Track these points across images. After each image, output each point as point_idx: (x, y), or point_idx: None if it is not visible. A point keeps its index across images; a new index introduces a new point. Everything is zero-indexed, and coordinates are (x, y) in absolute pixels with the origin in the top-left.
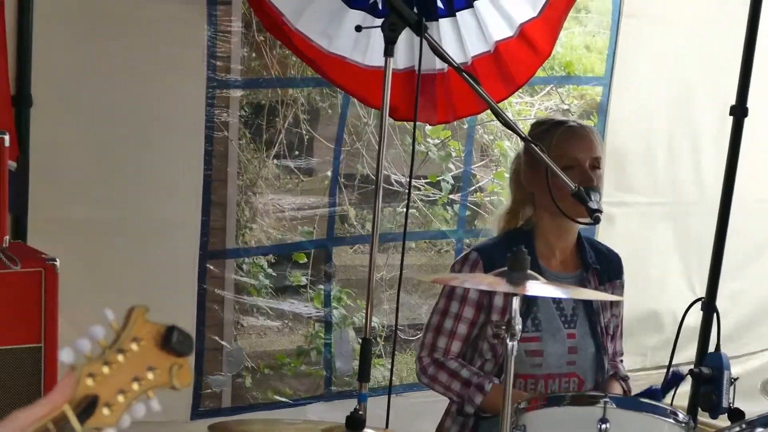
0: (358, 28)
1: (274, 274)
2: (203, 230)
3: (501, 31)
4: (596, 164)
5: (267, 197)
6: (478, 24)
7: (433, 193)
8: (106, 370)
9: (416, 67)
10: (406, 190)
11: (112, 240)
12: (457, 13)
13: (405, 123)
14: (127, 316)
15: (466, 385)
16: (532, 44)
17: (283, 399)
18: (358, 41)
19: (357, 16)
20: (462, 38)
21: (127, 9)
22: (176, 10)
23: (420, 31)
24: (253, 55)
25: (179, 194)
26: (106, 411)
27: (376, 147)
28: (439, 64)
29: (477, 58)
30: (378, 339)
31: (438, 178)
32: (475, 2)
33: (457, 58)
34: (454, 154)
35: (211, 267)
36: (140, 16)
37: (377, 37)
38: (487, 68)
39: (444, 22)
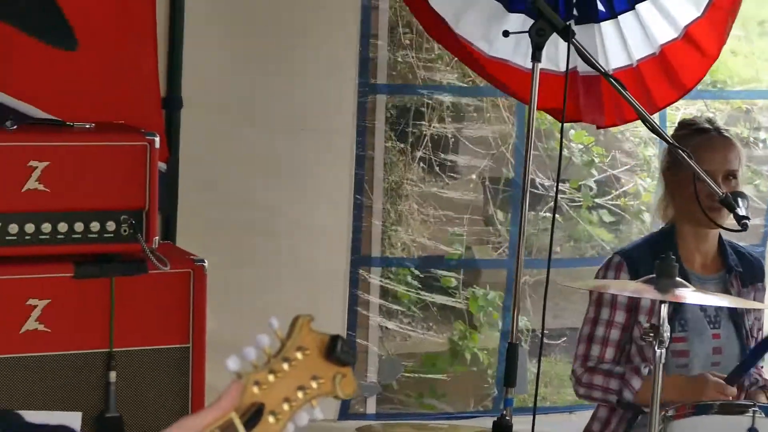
0: (506, 34)
1: (421, 275)
2: (355, 235)
3: (665, 33)
4: (731, 176)
5: (413, 200)
6: (641, 26)
7: (577, 198)
8: (271, 378)
9: (580, 70)
10: (550, 194)
11: (260, 242)
12: (619, 16)
13: (550, 126)
14: (292, 325)
15: (622, 377)
16: (698, 46)
17: (431, 402)
18: (519, 44)
19: (516, 20)
20: (626, 41)
21: (278, 11)
22: (328, 14)
23: (567, 36)
24: (399, 58)
25: (328, 197)
26: (271, 419)
27: (520, 150)
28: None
29: (642, 61)
30: (523, 344)
31: (581, 183)
32: (637, 5)
33: (622, 61)
34: (597, 160)
35: (359, 271)
36: (291, 19)
37: None
38: (654, 71)
39: (606, 25)
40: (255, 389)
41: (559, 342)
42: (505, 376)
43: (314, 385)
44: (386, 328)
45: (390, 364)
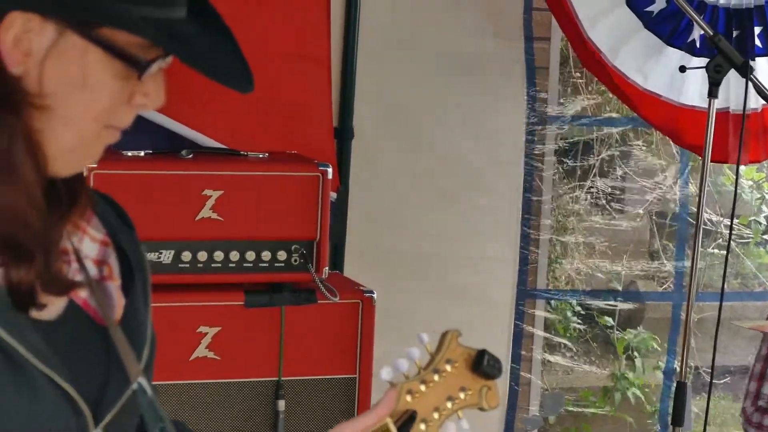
0: (683, 69)
1: (584, 309)
2: (522, 267)
3: None
4: None
5: (579, 233)
6: None
7: (746, 234)
8: (423, 388)
9: (732, 108)
10: (718, 230)
11: (427, 272)
12: None
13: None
14: (441, 339)
15: None
16: None
17: None
18: (674, 79)
19: (674, 55)
20: None
21: (446, 43)
22: (494, 46)
23: (746, 72)
24: (569, 90)
25: (496, 228)
26: (422, 426)
27: (688, 186)
28: (752, 104)
29: None
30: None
31: (750, 219)
32: None
33: None
34: None
35: (524, 303)
36: (459, 51)
37: (693, 76)
38: None
39: (762, 61)
40: (408, 397)
41: (721, 382)
42: (673, 415)
43: (462, 396)
44: (548, 361)
45: (553, 397)
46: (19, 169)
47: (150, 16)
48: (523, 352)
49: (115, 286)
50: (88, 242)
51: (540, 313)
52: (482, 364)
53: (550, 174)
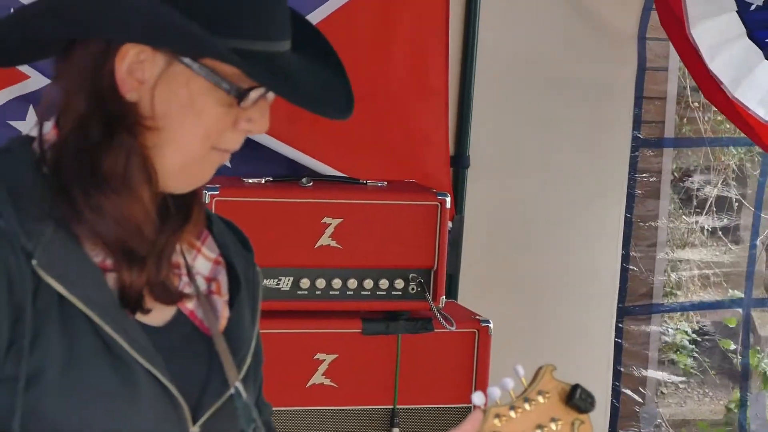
0: None
1: (698, 338)
2: (621, 291)
3: None
4: None
5: (693, 264)
6: None
7: None
8: (512, 413)
9: None
10: None
11: (539, 300)
12: None
13: None
14: (536, 372)
15: None
16: None
17: None
18: None
19: None
20: None
21: (561, 69)
22: (607, 71)
23: None
24: (685, 120)
25: (599, 253)
26: None
27: None
28: None
29: None
30: None
31: None
32: None
33: None
34: None
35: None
36: (572, 77)
37: None
38: None
39: None
40: (495, 421)
41: None
42: None
43: (553, 426)
44: (662, 392)
45: (648, 410)
46: (135, 183)
47: (242, 48)
48: (629, 379)
49: (221, 300)
50: (201, 260)
51: (654, 341)
52: (575, 397)
53: (667, 203)
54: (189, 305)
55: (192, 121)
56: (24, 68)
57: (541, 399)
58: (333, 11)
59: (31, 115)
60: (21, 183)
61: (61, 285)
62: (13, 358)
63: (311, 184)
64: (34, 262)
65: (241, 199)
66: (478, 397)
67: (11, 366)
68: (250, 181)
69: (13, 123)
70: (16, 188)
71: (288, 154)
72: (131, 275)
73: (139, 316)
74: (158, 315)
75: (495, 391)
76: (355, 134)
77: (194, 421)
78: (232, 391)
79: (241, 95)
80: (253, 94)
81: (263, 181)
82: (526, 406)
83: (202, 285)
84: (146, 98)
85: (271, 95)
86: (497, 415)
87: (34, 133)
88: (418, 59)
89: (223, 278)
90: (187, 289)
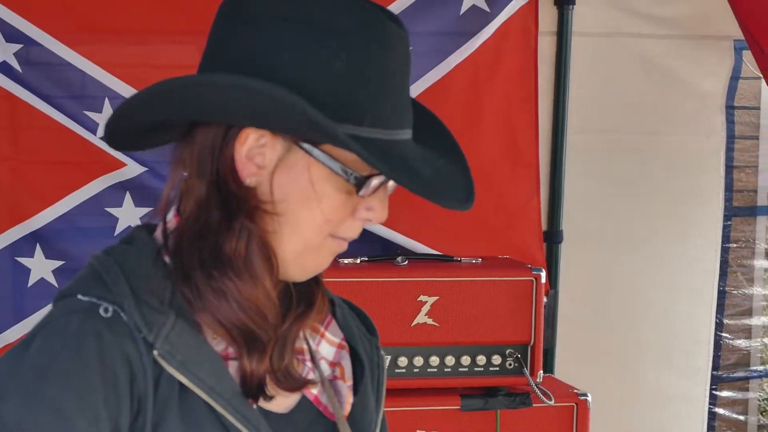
0: None
1: None
2: (714, 362)
3: None
4: None
5: None
6: None
7: None
8: None
9: None
10: None
11: (631, 372)
12: None
13: None
14: None
15: None
16: None
17: None
18: None
19: None
20: None
21: (648, 138)
22: (694, 140)
23: None
24: None
25: (692, 322)
26: None
27: None
28: None
29: None
30: None
31: None
32: None
33: None
34: None
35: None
36: (660, 143)
37: None
38: None
39: None
40: None
41: None
42: None
43: None
44: None
45: None
46: (256, 267)
47: (362, 135)
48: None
49: (346, 385)
50: (325, 345)
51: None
52: None
53: (762, 261)
54: (314, 391)
55: (311, 208)
56: (120, 156)
57: None
58: (429, 86)
59: (128, 202)
60: (143, 274)
61: (182, 375)
62: None
63: (406, 263)
64: (155, 352)
65: (338, 280)
66: None
67: None
68: (346, 261)
69: (110, 210)
70: (138, 280)
71: (381, 234)
72: (252, 362)
73: (264, 404)
74: (282, 402)
75: None
76: (448, 212)
77: None
78: None
79: (360, 183)
80: (374, 182)
81: (359, 261)
82: None
83: (326, 370)
84: (265, 183)
85: (391, 184)
86: None
87: (156, 221)
88: (509, 132)
89: (347, 363)
90: (311, 375)
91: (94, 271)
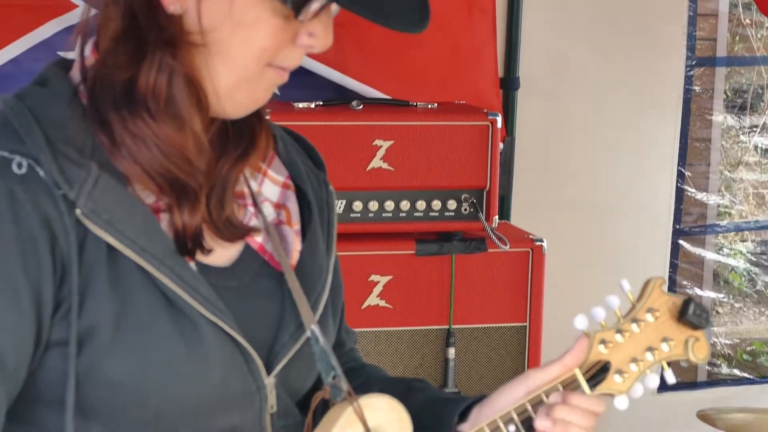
0: None
1: (754, 258)
2: (676, 215)
3: None
4: None
5: (748, 183)
6: None
7: None
8: (619, 338)
9: None
10: None
11: (590, 220)
12: None
13: None
14: (643, 288)
15: None
16: None
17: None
18: None
19: None
20: None
21: None
22: None
23: None
24: (737, 38)
25: (653, 174)
26: (617, 378)
27: None
28: None
29: None
30: None
31: None
32: None
33: None
34: None
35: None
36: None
37: None
38: None
39: None
40: (601, 348)
41: None
42: None
43: (665, 347)
44: (717, 311)
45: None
46: (180, 107)
47: None
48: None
49: (292, 230)
50: (268, 184)
51: (708, 259)
52: (688, 313)
53: (719, 120)
54: (257, 239)
55: (245, 35)
56: None
57: (650, 318)
58: None
59: None
60: (59, 121)
61: (109, 235)
62: (62, 321)
63: (361, 107)
64: (78, 211)
65: (292, 123)
66: (580, 321)
67: (60, 329)
68: (301, 105)
69: (62, 54)
70: (54, 128)
71: (336, 80)
72: (184, 214)
73: (202, 258)
74: (223, 254)
75: (597, 312)
76: (402, 57)
77: (268, 372)
78: (308, 334)
79: (299, 6)
80: (314, 5)
81: (313, 106)
82: (634, 327)
83: (271, 214)
84: (192, 11)
85: (335, 8)
86: (603, 342)
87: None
88: None
89: (293, 205)
90: (254, 221)
91: (3, 119)
